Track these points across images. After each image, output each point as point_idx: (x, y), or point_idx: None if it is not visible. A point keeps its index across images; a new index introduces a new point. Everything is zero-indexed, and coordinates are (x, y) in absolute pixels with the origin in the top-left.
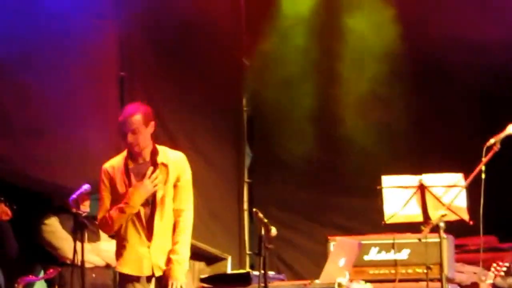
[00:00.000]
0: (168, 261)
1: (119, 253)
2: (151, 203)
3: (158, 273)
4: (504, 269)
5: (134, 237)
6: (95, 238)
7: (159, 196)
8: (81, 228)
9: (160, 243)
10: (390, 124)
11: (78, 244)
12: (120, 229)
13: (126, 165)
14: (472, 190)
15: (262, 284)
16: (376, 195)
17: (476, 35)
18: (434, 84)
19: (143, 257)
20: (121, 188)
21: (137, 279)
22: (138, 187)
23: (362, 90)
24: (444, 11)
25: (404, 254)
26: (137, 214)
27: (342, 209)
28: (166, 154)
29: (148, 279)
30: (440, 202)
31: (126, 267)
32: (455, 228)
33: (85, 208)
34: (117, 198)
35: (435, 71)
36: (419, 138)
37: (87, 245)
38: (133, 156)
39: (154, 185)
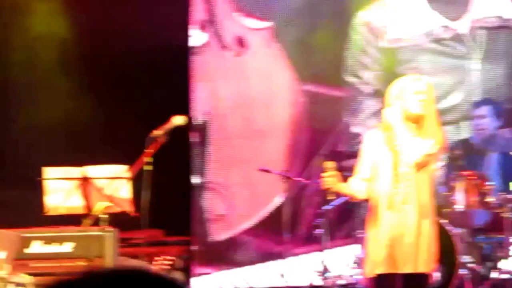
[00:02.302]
0: None
1: None
2: None
3: None
4: (169, 263)
5: None
6: None
7: None
8: None
9: None
10: (56, 115)
11: None
12: None
13: None
14: (137, 182)
15: None
16: (39, 187)
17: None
18: (99, 76)
19: None
20: None
21: None
22: None
23: (32, 79)
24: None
25: (67, 247)
26: None
27: (3, 201)
28: None
29: None
30: (103, 194)
31: None
32: (121, 221)
33: None
34: None
35: (102, 64)
36: (86, 129)
37: None
38: None
39: None
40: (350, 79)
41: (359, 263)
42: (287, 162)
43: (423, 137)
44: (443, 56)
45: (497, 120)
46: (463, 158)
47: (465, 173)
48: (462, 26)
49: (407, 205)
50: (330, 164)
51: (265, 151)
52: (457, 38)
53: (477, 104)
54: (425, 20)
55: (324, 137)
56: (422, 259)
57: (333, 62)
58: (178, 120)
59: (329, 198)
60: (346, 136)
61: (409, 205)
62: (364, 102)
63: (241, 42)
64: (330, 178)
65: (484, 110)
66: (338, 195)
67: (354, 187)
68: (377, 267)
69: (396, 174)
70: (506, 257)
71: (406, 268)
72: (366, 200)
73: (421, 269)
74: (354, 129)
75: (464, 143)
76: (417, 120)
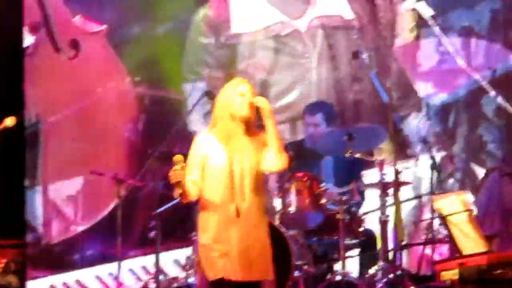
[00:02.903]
0: None
1: None
2: None
3: None
4: (2, 266)
5: None
6: None
7: None
8: None
9: None
10: None
11: None
12: None
13: None
14: None
15: None
16: None
17: None
18: None
19: None
20: None
21: None
22: None
23: None
24: None
25: None
26: None
27: None
28: None
29: None
30: None
31: None
32: None
33: None
34: None
35: None
36: None
37: None
38: None
39: None
40: (189, 76)
41: (192, 265)
42: (121, 164)
43: (253, 137)
44: (281, 54)
45: (329, 122)
46: (297, 159)
47: (298, 174)
48: (301, 24)
49: (244, 211)
50: (179, 158)
51: (99, 153)
52: (295, 35)
53: (310, 106)
54: (264, 16)
55: (159, 139)
56: (260, 265)
57: (169, 64)
58: (8, 121)
59: (176, 192)
60: (182, 136)
61: (247, 211)
62: (202, 99)
63: (75, 45)
64: (180, 171)
65: (317, 112)
66: (184, 190)
67: (188, 187)
68: (215, 272)
69: (233, 177)
70: (340, 258)
71: (246, 274)
72: (197, 203)
73: (259, 275)
74: (191, 128)
75: (298, 144)
76: (246, 122)
